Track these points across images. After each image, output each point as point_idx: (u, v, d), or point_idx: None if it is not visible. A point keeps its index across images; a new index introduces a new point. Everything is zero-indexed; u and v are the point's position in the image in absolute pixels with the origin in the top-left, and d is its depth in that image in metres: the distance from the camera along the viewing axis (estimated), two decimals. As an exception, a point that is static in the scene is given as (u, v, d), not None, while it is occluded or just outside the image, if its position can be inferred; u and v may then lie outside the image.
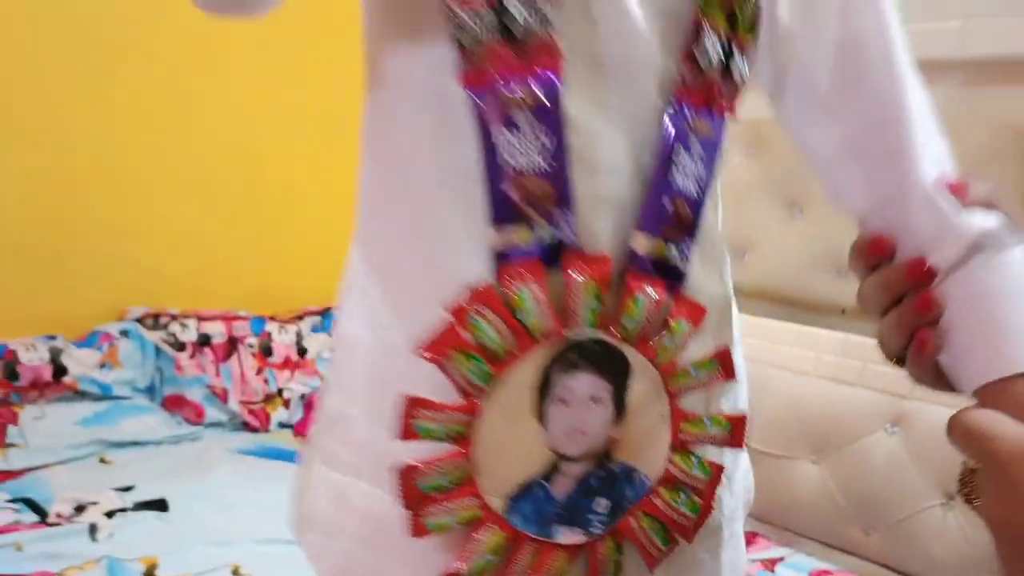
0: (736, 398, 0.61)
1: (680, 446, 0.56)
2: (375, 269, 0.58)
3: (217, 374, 2.05)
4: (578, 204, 0.51)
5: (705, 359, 0.56)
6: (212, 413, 2.03)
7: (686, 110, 0.53)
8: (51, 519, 1.56)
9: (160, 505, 1.63)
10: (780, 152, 1.71)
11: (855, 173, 0.58)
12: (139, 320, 2.04)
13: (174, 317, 2.08)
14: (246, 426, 2.05)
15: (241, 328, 2.13)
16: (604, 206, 0.53)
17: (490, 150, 0.50)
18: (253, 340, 2.13)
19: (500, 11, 0.49)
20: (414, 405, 0.51)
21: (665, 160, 0.53)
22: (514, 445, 0.53)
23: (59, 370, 1.90)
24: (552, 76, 0.50)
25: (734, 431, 0.59)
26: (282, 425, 2.09)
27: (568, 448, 0.54)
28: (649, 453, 0.56)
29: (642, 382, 0.54)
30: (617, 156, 0.53)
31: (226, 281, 2.21)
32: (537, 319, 0.51)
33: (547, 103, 0.50)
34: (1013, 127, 1.46)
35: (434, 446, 0.52)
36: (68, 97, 1.98)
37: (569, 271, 0.51)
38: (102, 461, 1.83)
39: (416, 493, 0.52)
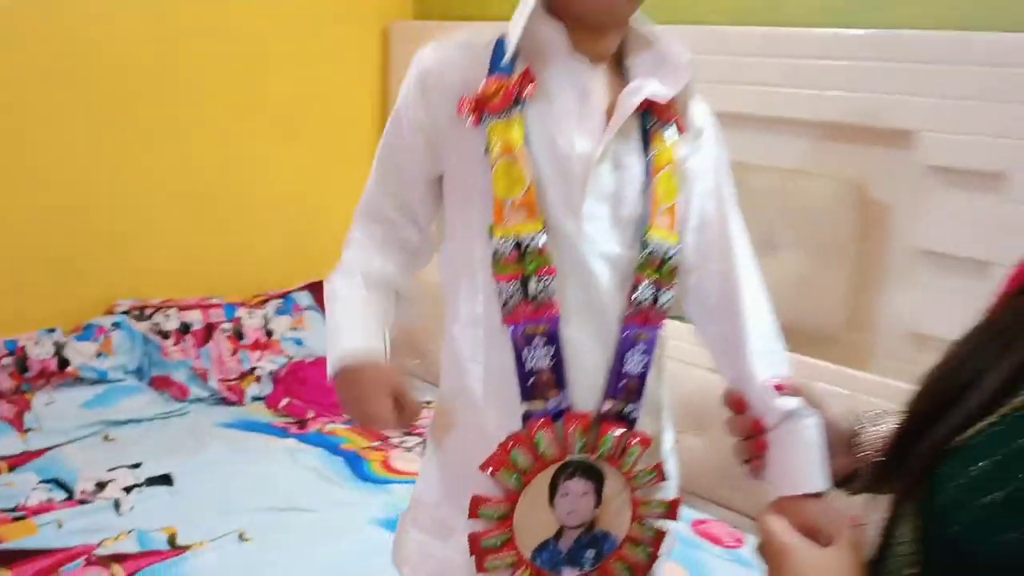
0: (669, 490, 0.99)
1: (637, 519, 0.95)
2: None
3: (197, 357, 2.38)
4: (570, 386, 0.89)
5: (648, 469, 0.94)
6: (195, 391, 2.36)
7: (632, 328, 0.91)
8: (78, 496, 1.89)
9: (166, 480, 1.97)
10: (755, 193, 2.04)
11: (721, 360, 0.97)
12: (127, 312, 2.35)
13: (157, 308, 2.38)
14: (224, 401, 2.38)
15: (216, 315, 2.45)
16: (587, 384, 0.90)
17: (520, 360, 0.88)
18: (227, 325, 2.45)
19: (524, 282, 0.86)
20: (479, 501, 0.91)
21: (620, 358, 0.91)
22: (536, 521, 0.92)
23: (63, 361, 2.21)
24: (554, 318, 0.88)
25: (671, 510, 0.98)
26: (255, 399, 2.42)
27: (568, 522, 0.93)
28: (618, 524, 0.95)
29: (613, 482, 0.93)
30: (594, 357, 0.90)
31: (199, 272, 2.52)
32: (548, 450, 0.89)
33: (551, 333, 0.88)
34: (851, 180, 1.86)
35: (488, 521, 0.91)
36: (67, 126, 2.24)
37: (567, 424, 0.89)
38: (106, 439, 2.14)
39: (480, 548, 0.92)
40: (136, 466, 2.01)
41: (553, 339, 0.88)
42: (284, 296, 2.62)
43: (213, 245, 2.55)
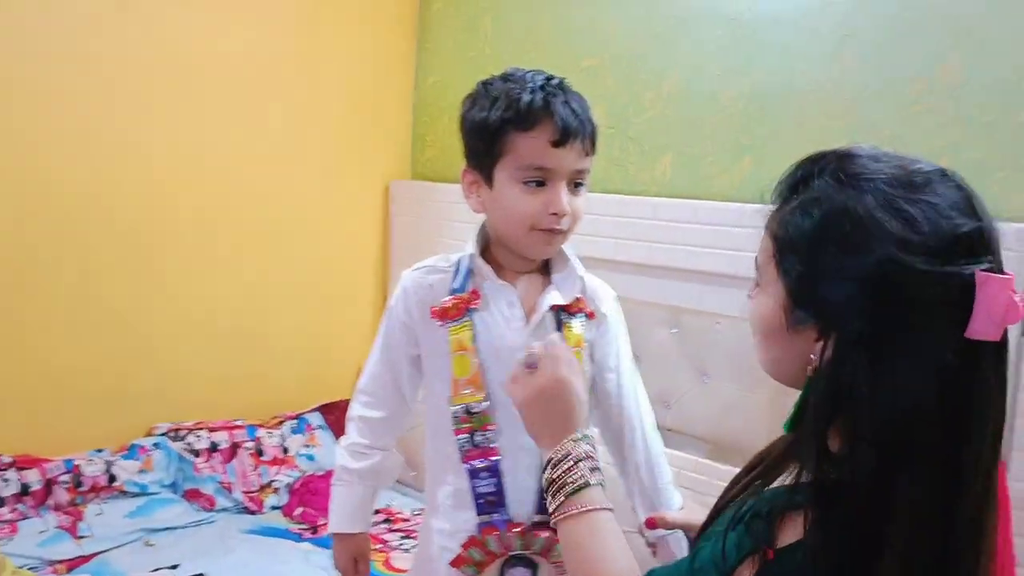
0: None
1: None
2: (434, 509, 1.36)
3: (224, 472, 2.76)
4: (509, 504, 1.29)
5: None
6: (221, 501, 2.73)
7: None
8: (128, 595, 2.24)
9: (202, 578, 2.34)
10: (693, 330, 2.42)
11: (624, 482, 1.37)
12: (165, 434, 2.73)
13: (190, 430, 2.77)
14: (246, 510, 2.75)
15: (240, 435, 2.84)
16: (522, 502, 1.30)
17: (473, 488, 1.29)
18: (250, 444, 2.84)
19: (472, 434, 1.28)
20: None
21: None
22: None
23: (111, 477, 2.58)
24: (495, 459, 1.28)
25: None
26: (273, 508, 2.80)
27: None
28: None
29: (544, 569, 1.31)
30: (526, 483, 1.29)
31: (226, 397, 2.92)
32: (496, 549, 1.29)
33: (493, 469, 1.28)
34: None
35: None
36: (109, 275, 2.66)
37: (508, 530, 1.29)
38: (147, 544, 2.50)
39: None
40: (175, 567, 2.36)
41: (495, 472, 1.29)
42: (298, 417, 3.02)
43: (238, 374, 2.95)
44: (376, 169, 3.27)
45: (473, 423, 1.29)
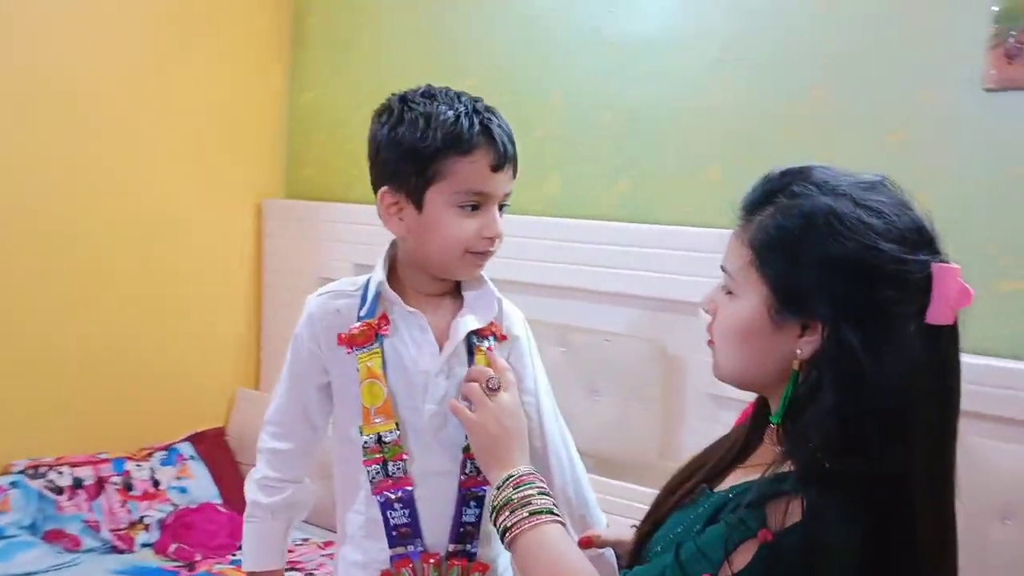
0: None
1: None
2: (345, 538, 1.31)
3: (90, 510, 2.58)
4: (424, 534, 1.25)
5: None
6: (88, 542, 2.55)
7: (467, 490, 1.27)
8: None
9: (70, 625, 2.18)
10: (582, 348, 2.46)
11: None
12: (23, 471, 2.54)
13: (51, 466, 2.58)
14: (115, 549, 2.58)
15: (106, 469, 2.67)
16: (436, 531, 1.26)
17: (385, 519, 1.24)
18: (117, 479, 2.67)
19: (384, 464, 1.24)
20: None
21: (459, 512, 1.27)
22: None
23: (-37, 521, 2.38)
24: (408, 489, 1.24)
25: None
26: (144, 545, 2.64)
27: None
28: None
29: None
30: (440, 511, 1.26)
31: (89, 430, 2.74)
32: None
33: (406, 499, 1.25)
34: (654, 340, 2.35)
35: None
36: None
37: (423, 561, 1.25)
38: (5, 591, 2.32)
39: None
40: (40, 615, 2.20)
41: (408, 503, 1.25)
42: (168, 448, 2.86)
43: (102, 404, 2.77)
44: (249, 187, 3.16)
45: (385, 453, 1.25)
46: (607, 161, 2.49)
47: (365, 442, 1.25)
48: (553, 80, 2.60)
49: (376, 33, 3.01)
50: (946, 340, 0.92)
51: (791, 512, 0.87)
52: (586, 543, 1.24)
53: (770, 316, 0.95)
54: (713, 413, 2.31)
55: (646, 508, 2.24)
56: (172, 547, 2.61)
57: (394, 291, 1.27)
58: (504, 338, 1.34)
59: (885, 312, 0.89)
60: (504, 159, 1.22)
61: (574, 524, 1.28)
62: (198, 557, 2.58)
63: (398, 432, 1.25)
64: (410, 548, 1.25)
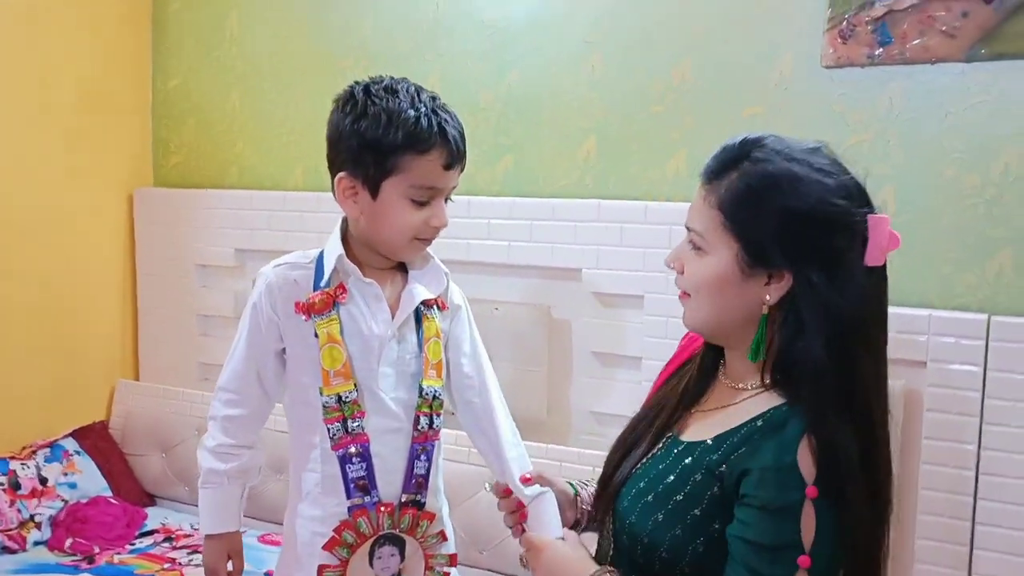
0: (451, 545, 1.46)
1: (429, 568, 1.43)
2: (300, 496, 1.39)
3: (-24, 512, 2.51)
4: (378, 486, 1.36)
5: (434, 534, 1.43)
6: (-24, 545, 2.49)
7: (418, 445, 1.40)
8: None
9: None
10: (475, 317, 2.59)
11: (489, 461, 1.48)
12: (-100, 478, 2.44)
13: (-70, 471, 2.50)
14: (6, 550, 2.53)
15: (-11, 471, 2.60)
16: (390, 483, 1.38)
17: (344, 472, 1.35)
18: (2, 479, 2.60)
19: (344, 422, 1.34)
20: (323, 568, 1.35)
21: (411, 465, 1.40)
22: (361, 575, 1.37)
23: None
24: (365, 444, 1.35)
25: (452, 560, 1.46)
26: (37, 543, 2.59)
27: (382, 574, 1.39)
28: (416, 572, 1.42)
29: (411, 545, 1.40)
30: (394, 465, 1.38)
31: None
32: (367, 530, 1.36)
33: (363, 453, 1.35)
34: (541, 305, 2.52)
35: None
36: None
37: (378, 511, 1.36)
38: None
39: None
40: (-61, 621, 2.15)
41: (365, 457, 1.37)
42: (52, 445, 2.80)
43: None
44: (116, 176, 3.10)
45: (344, 411, 1.35)
46: (490, 140, 2.63)
47: (326, 402, 1.35)
48: (430, 62, 2.71)
49: (244, 15, 3.01)
50: (879, 278, 1.10)
51: (810, 452, 1.03)
52: (526, 481, 1.38)
53: (740, 268, 1.09)
54: (597, 370, 2.51)
55: (539, 461, 2.41)
56: (68, 542, 2.58)
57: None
58: (446, 307, 1.47)
59: (839, 257, 1.06)
60: (456, 158, 1.36)
61: (517, 468, 1.42)
62: (96, 550, 2.56)
63: (356, 392, 1.36)
64: (366, 499, 1.36)
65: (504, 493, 1.42)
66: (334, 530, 1.36)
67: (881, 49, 2.16)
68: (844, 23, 2.18)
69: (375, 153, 1.31)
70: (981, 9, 2.04)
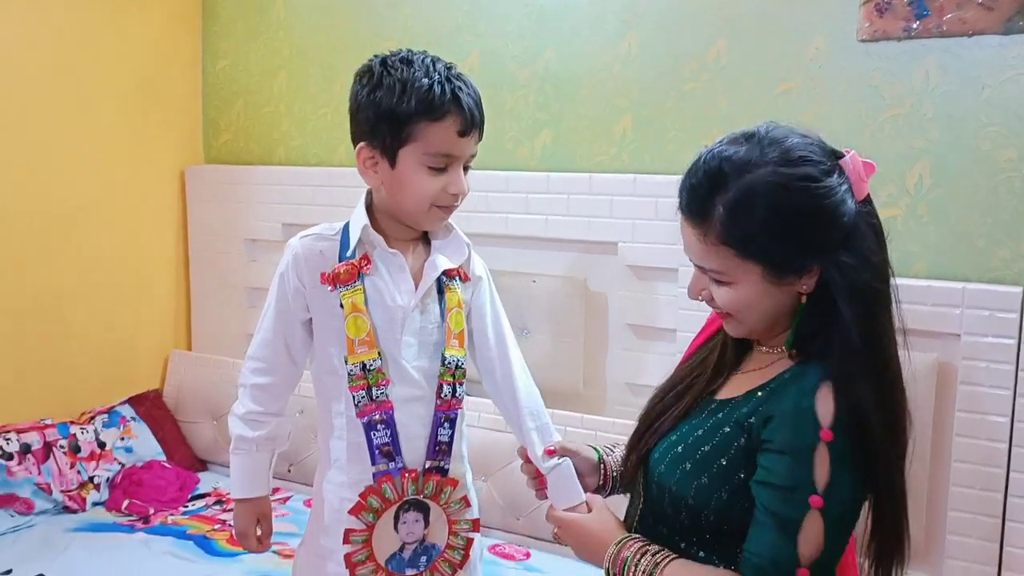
0: (474, 511, 1.50)
1: (453, 533, 1.47)
2: (329, 463, 1.46)
3: (40, 473, 2.64)
4: (403, 453, 1.41)
5: (457, 499, 1.47)
6: (40, 504, 2.62)
7: (441, 413, 1.44)
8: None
9: (42, 578, 2.27)
10: (511, 290, 2.61)
11: (514, 429, 1.50)
12: (-32, 440, 2.58)
13: (-3, 433, 2.63)
14: (67, 510, 2.66)
15: (52, 434, 2.72)
16: (414, 450, 1.42)
17: (369, 439, 1.40)
18: (63, 442, 2.73)
19: (368, 390, 1.39)
20: (350, 532, 1.41)
21: (435, 432, 1.43)
22: (387, 541, 1.42)
23: (-85, 490, 2.41)
24: (389, 411, 1.40)
25: (475, 525, 1.50)
26: (96, 504, 2.72)
27: (407, 539, 1.44)
28: (440, 537, 1.46)
29: (435, 511, 1.45)
30: (417, 433, 1.43)
31: (30, 398, 2.78)
32: (391, 495, 1.41)
33: (387, 420, 1.40)
34: (577, 278, 2.57)
35: (356, 544, 1.40)
36: None
37: (402, 477, 1.41)
38: (-36, 555, 2.38)
39: (352, 562, 1.40)
40: (8, 572, 2.27)
41: (389, 424, 1.40)
42: (109, 412, 2.93)
43: (40, 372, 2.82)
44: (168, 155, 3.21)
45: (368, 379, 1.39)
46: (528, 116, 2.68)
47: (351, 370, 1.39)
48: (470, 41, 2.76)
49: (289, 2, 3.09)
50: (868, 203, 1.14)
51: (828, 398, 1.08)
52: (551, 453, 1.42)
53: (770, 283, 1.12)
54: (632, 342, 2.55)
55: (575, 431, 2.46)
56: (125, 503, 2.70)
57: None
58: (467, 278, 1.50)
59: (847, 225, 1.09)
60: (471, 125, 1.36)
61: (541, 438, 1.46)
62: (151, 511, 2.68)
63: (380, 361, 1.40)
64: (391, 465, 1.40)
65: (526, 459, 1.47)
66: (360, 495, 1.40)
67: (918, 22, 2.16)
68: (880, -3, 2.19)
69: (391, 122, 1.34)
70: (1018, -19, 2.04)
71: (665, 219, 2.41)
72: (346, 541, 1.40)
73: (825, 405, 1.08)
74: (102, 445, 2.83)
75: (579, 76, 2.61)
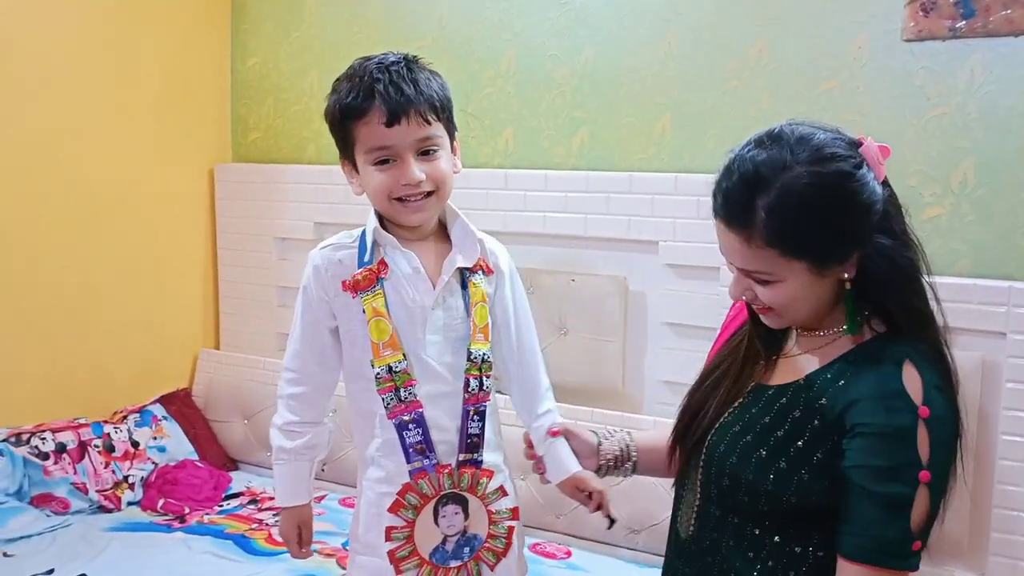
0: (511, 500, 1.51)
1: (493, 523, 1.48)
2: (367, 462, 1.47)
3: (76, 472, 2.64)
4: (436, 449, 1.42)
5: (495, 490, 1.48)
6: (76, 503, 2.61)
7: (470, 406, 1.44)
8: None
9: (84, 579, 2.26)
10: (549, 289, 2.66)
11: (522, 416, 1.54)
12: (5, 440, 2.57)
13: (32, 432, 2.62)
14: (103, 509, 2.65)
15: (86, 433, 2.72)
16: (446, 445, 1.43)
17: (402, 439, 1.41)
18: (98, 441, 2.73)
19: (397, 391, 1.40)
20: (391, 529, 1.41)
21: (465, 426, 1.44)
22: (428, 535, 1.42)
23: (-46, 489, 2.40)
24: (419, 411, 1.41)
25: (513, 514, 1.51)
26: (130, 503, 2.72)
27: (448, 532, 1.44)
28: (481, 528, 1.47)
29: (473, 502, 1.46)
30: (448, 427, 1.43)
31: (64, 397, 2.78)
32: (428, 491, 1.42)
33: (418, 419, 1.41)
34: (616, 277, 2.57)
35: (398, 540, 1.41)
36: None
37: (438, 472, 1.42)
38: (5, 555, 2.36)
39: (395, 558, 1.41)
40: (50, 572, 2.27)
41: (419, 423, 1.41)
42: (141, 411, 2.92)
43: (72, 371, 2.82)
44: (197, 153, 3.21)
45: (396, 380, 1.41)
46: (566, 114, 2.68)
47: (378, 373, 1.40)
48: (505, 40, 2.76)
49: (322, -1, 3.10)
50: (889, 187, 1.18)
51: (914, 376, 1.12)
52: (554, 433, 1.48)
53: (815, 276, 1.16)
54: (672, 341, 2.56)
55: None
56: (160, 502, 2.69)
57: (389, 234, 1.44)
58: (491, 271, 1.51)
59: (879, 211, 1.14)
60: (395, 114, 1.35)
61: (544, 421, 1.52)
62: (187, 510, 2.68)
63: (405, 362, 1.41)
64: (425, 462, 1.42)
65: (528, 445, 1.53)
66: (397, 493, 1.41)
67: (963, 22, 2.17)
68: (925, -4, 2.19)
69: (336, 134, 1.41)
70: (1067, -20, 2.05)
71: (706, 218, 2.36)
72: (388, 538, 1.42)
73: (913, 383, 1.11)
74: (136, 444, 2.82)
75: (618, 74, 2.60)
